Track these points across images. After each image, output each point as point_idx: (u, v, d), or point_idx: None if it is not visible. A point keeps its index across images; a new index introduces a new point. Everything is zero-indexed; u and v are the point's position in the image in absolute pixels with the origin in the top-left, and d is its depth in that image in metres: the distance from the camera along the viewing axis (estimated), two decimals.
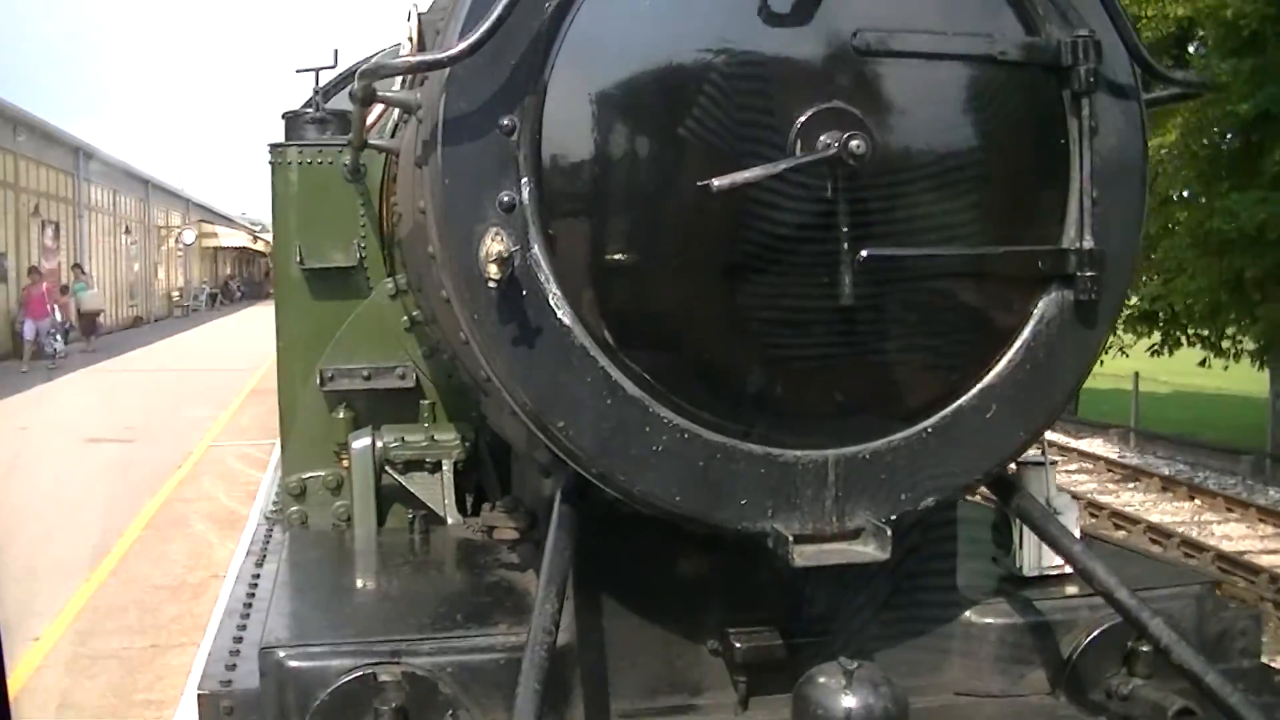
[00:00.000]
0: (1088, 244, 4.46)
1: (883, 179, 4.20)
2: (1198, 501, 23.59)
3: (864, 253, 4.15)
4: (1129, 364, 32.87)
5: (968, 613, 4.93)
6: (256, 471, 19.44)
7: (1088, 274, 4.46)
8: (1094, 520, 20.64)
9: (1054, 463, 5.29)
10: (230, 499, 19.51)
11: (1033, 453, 5.03)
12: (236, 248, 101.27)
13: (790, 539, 4.22)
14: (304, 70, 7.72)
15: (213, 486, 21.04)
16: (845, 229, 4.14)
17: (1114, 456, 28.72)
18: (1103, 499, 23.15)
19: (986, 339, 4.54)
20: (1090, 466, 27.48)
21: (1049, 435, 5.32)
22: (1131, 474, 26.46)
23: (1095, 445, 30.57)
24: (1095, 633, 4.82)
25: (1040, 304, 4.53)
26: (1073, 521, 5.16)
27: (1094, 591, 4.62)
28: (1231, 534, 21.00)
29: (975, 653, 4.91)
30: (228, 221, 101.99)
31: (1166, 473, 26.30)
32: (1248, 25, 21.83)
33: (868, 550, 4.31)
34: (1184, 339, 31.34)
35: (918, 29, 4.28)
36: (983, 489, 5.11)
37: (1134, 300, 30.54)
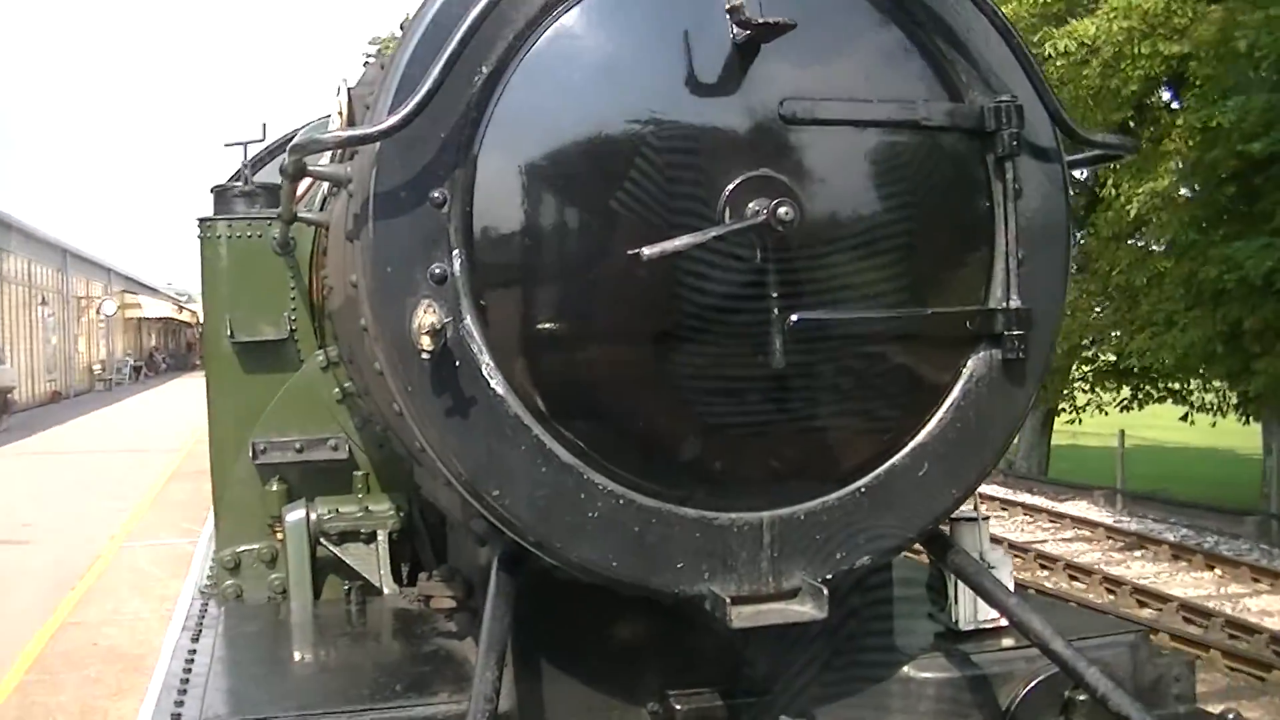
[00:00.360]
0: (1014, 303, 4.55)
1: (811, 244, 4.26)
2: (1218, 571, 21.72)
3: (794, 317, 4.21)
4: (1107, 421, 32.67)
5: (906, 668, 4.96)
6: (174, 578, 17.14)
7: (1015, 333, 4.55)
8: (1113, 597, 19.46)
9: (985, 518, 5.35)
10: (139, 625, 15.75)
11: (965, 508, 5.08)
12: (161, 318, 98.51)
13: (728, 601, 4.24)
14: (232, 144, 7.73)
15: (120, 603, 17.12)
16: (775, 294, 4.20)
17: (1109, 521, 26.83)
18: (1113, 570, 21.60)
19: (917, 399, 4.60)
20: (1089, 534, 25.75)
21: (1005, 494, 5.35)
22: (1135, 541, 24.49)
23: (1081, 508, 28.94)
24: (1032, 683, 4.85)
25: (969, 363, 4.61)
26: (1006, 575, 5.22)
27: (1030, 643, 4.67)
28: (1271, 608, 18.99)
29: (915, 708, 4.93)
30: (152, 292, 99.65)
31: (1172, 539, 24.42)
32: (1266, 56, 20.44)
33: (805, 609, 4.34)
34: (1155, 393, 31.06)
35: (843, 97, 4.36)
36: (917, 544, 5.15)
37: (1105, 356, 30.75)
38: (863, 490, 4.51)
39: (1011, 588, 5.13)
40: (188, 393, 57.16)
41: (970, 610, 5.16)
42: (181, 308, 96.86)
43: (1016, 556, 21.34)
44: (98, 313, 78.74)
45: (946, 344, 4.60)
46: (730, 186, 4.16)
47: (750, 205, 4.12)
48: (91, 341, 79.65)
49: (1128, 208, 24.41)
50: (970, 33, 4.57)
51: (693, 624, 4.54)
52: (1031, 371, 4.69)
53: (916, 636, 5.20)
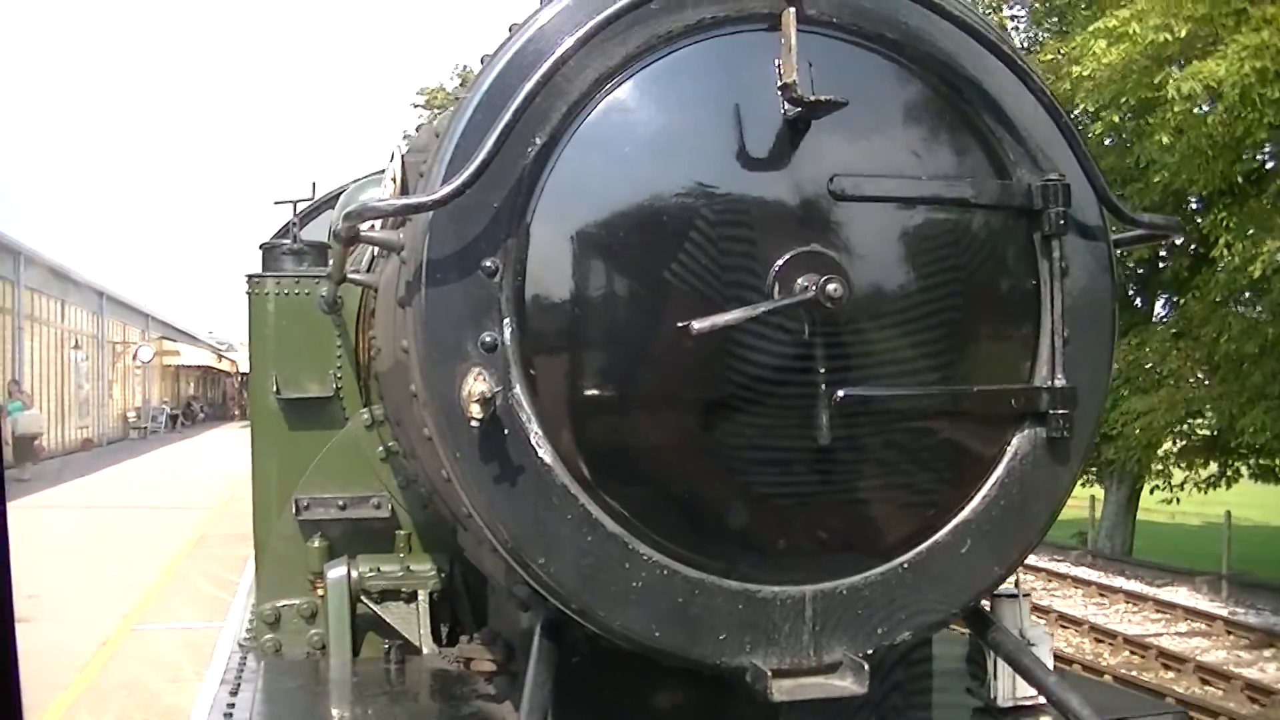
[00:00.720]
0: (1059, 382, 4.56)
1: (859, 320, 4.30)
2: None
3: (841, 393, 4.24)
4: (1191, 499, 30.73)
5: None
6: (187, 680, 14.66)
7: (1060, 411, 4.56)
8: (1261, 708, 17.26)
9: (1026, 594, 5.34)
10: None
11: (1007, 585, 5.08)
12: (200, 366, 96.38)
13: (769, 674, 4.25)
14: (281, 202, 7.83)
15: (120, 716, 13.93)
16: (823, 369, 4.23)
17: (1224, 614, 23.93)
18: (1249, 674, 18.93)
19: (961, 475, 4.61)
20: (1205, 627, 23.02)
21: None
22: (1264, 638, 21.81)
23: (1184, 595, 26.17)
24: None
25: (1014, 441, 4.62)
26: (1046, 652, 5.22)
27: None
28: None
29: None
30: (191, 339, 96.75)
31: None
32: None
33: (845, 684, 4.34)
34: (1245, 470, 29.38)
35: (892, 173, 4.40)
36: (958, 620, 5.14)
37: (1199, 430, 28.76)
38: (905, 566, 4.51)
39: (1051, 665, 5.12)
40: (224, 444, 56.40)
41: (1009, 687, 5.15)
42: (221, 356, 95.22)
43: (1136, 654, 20.52)
44: (134, 358, 76.22)
45: (991, 421, 4.62)
46: (780, 261, 4.19)
47: (799, 281, 4.15)
48: (126, 388, 77.21)
49: (1250, 269, 22.22)
50: (1018, 110, 4.61)
51: (734, 694, 4.54)
52: (1076, 449, 4.69)
53: (955, 712, 5.20)
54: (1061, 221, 4.55)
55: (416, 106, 54.70)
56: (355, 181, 8.37)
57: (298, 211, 7.91)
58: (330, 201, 9.08)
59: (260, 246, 7.44)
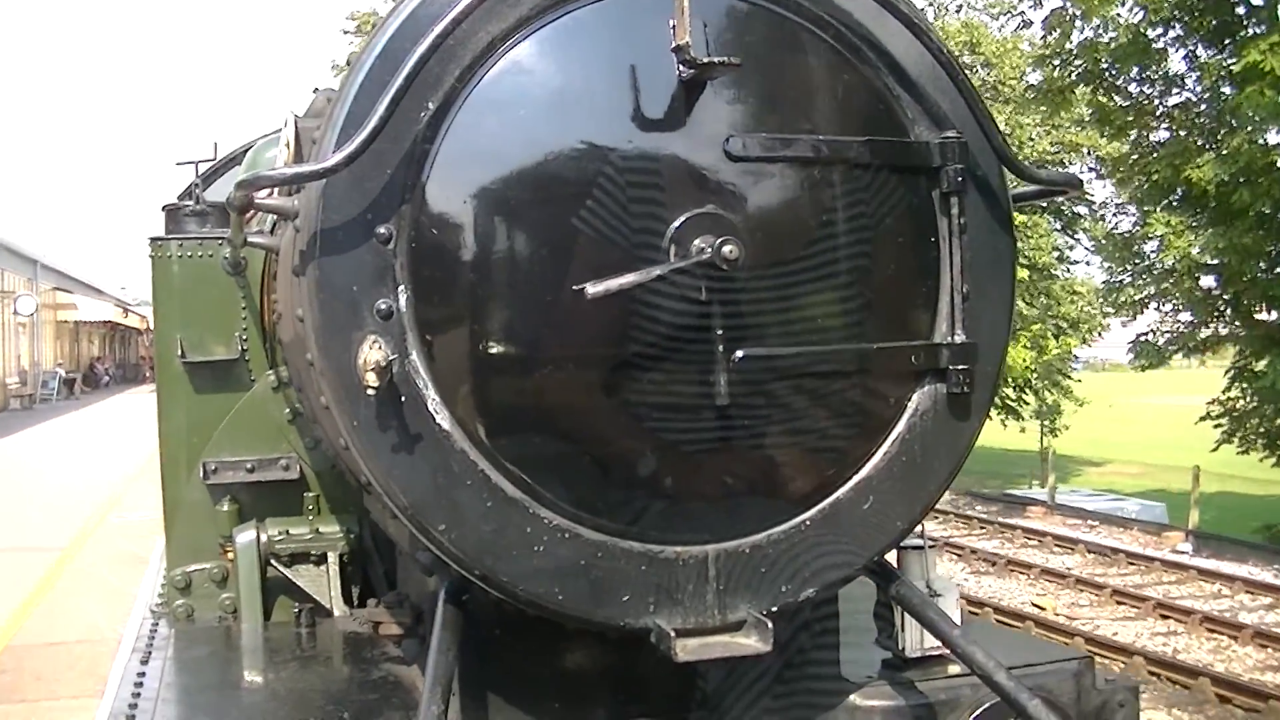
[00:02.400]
0: (959, 338, 4.59)
1: (757, 280, 4.29)
2: None
3: (739, 353, 4.24)
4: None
5: (853, 696, 4.98)
6: None
7: (960, 367, 4.60)
8: None
9: (932, 545, 5.38)
10: None
11: (912, 538, 5.12)
12: (103, 323, 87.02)
13: (672, 634, 4.26)
14: (183, 163, 7.70)
15: None
16: (720, 330, 4.23)
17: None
18: None
19: (862, 432, 4.63)
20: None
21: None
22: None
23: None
24: (977, 712, 4.87)
25: (914, 397, 4.66)
26: (952, 603, 5.27)
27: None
28: None
29: None
30: (93, 291, 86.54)
31: None
32: None
33: (750, 643, 4.36)
34: None
35: (788, 133, 4.39)
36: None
37: None
38: (808, 523, 4.54)
39: (958, 616, 5.19)
40: (131, 413, 50.07)
41: (917, 638, 5.18)
42: (128, 311, 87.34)
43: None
44: (12, 311, 63.21)
45: (892, 378, 4.64)
46: (676, 223, 4.18)
47: (696, 242, 4.14)
48: (5, 347, 62.44)
49: None
50: (916, 69, 4.61)
51: (641, 654, 4.56)
52: (977, 405, 4.74)
53: (863, 664, 5.23)
54: (960, 179, 4.57)
55: (346, 33, 52.67)
56: (262, 137, 8.27)
57: (200, 172, 7.78)
58: (234, 161, 8.97)
59: (163, 208, 7.33)
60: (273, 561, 6.38)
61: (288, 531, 6.40)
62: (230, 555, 6.51)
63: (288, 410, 6.61)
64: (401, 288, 4.06)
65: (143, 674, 5.70)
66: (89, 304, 79.85)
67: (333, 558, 6.40)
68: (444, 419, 4.11)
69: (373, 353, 3.90)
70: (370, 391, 3.92)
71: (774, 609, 4.45)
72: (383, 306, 4.04)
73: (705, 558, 4.41)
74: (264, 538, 6.36)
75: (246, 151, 8.86)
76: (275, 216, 6.34)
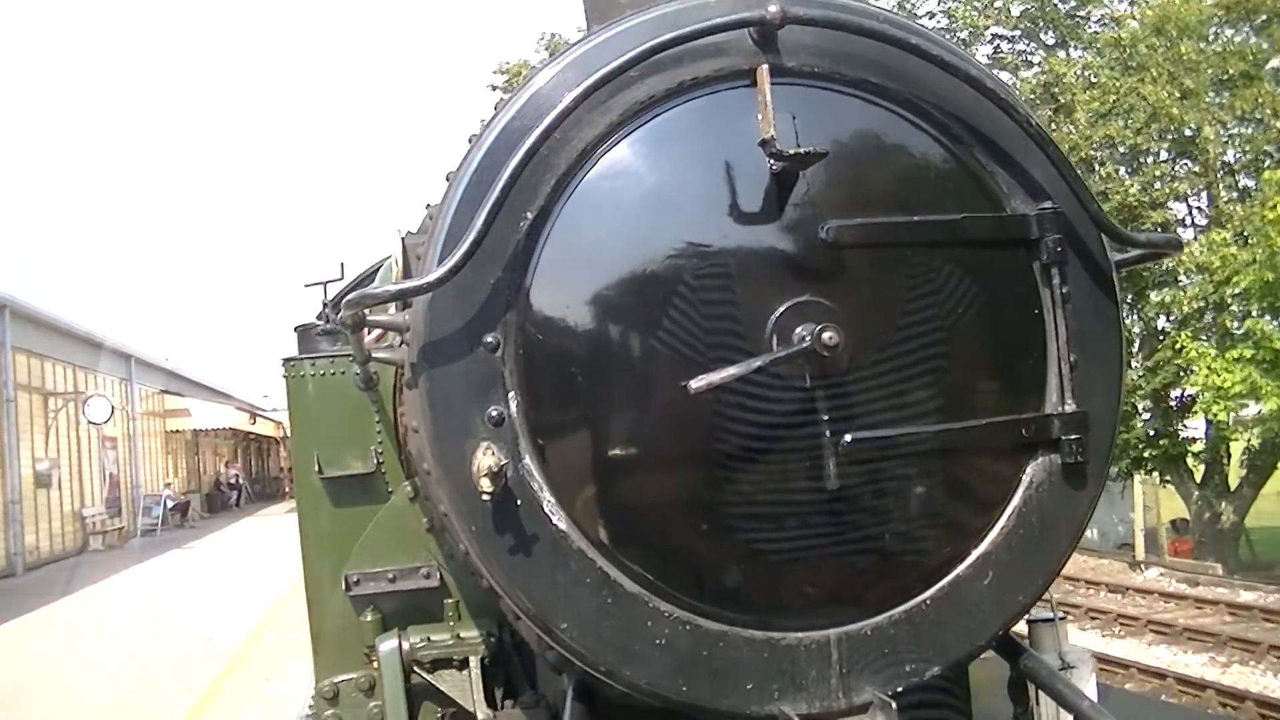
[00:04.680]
0: (1069, 408, 4.58)
1: (860, 365, 4.34)
2: None
3: (847, 438, 4.29)
4: None
5: None
6: None
7: (1072, 437, 4.58)
8: None
9: (1063, 618, 5.33)
10: None
11: (1043, 611, 5.09)
12: (223, 430, 73.41)
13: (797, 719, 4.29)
14: (312, 284, 7.92)
15: None
16: (826, 417, 4.28)
17: None
18: None
19: (978, 508, 4.63)
20: None
21: None
22: None
23: None
24: None
25: (1028, 470, 4.65)
26: (1087, 674, 5.21)
27: None
28: None
29: None
30: (211, 393, 73.19)
31: None
32: None
33: None
34: None
35: (884, 216, 4.45)
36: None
37: None
38: (929, 602, 4.54)
39: (1092, 687, 5.12)
40: (259, 542, 42.69)
41: (1053, 713, 5.11)
42: (256, 417, 73.60)
43: None
44: (83, 414, 48.57)
45: (1004, 453, 4.64)
46: (776, 314, 4.26)
47: (797, 331, 4.21)
48: (80, 466, 49.51)
49: None
50: (1008, 143, 4.64)
51: None
52: (1092, 474, 4.70)
53: None
54: (1059, 249, 4.58)
55: (495, 89, 47.64)
56: (384, 260, 8.48)
57: (330, 292, 8.00)
58: (368, 279, 9.20)
59: (295, 329, 7.54)
60: (415, 668, 6.47)
61: (429, 638, 6.49)
62: (376, 664, 6.62)
63: (425, 519, 6.73)
64: (511, 394, 4.19)
65: None
66: (206, 409, 66.58)
67: (474, 661, 6.46)
68: (560, 520, 4.21)
69: (486, 459, 4.02)
70: (485, 497, 4.04)
71: (899, 689, 4.45)
72: (494, 413, 4.16)
73: (827, 642, 4.43)
74: (406, 645, 6.45)
75: (378, 269, 9.10)
76: None
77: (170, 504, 58.08)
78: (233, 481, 77.80)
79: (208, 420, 66.62)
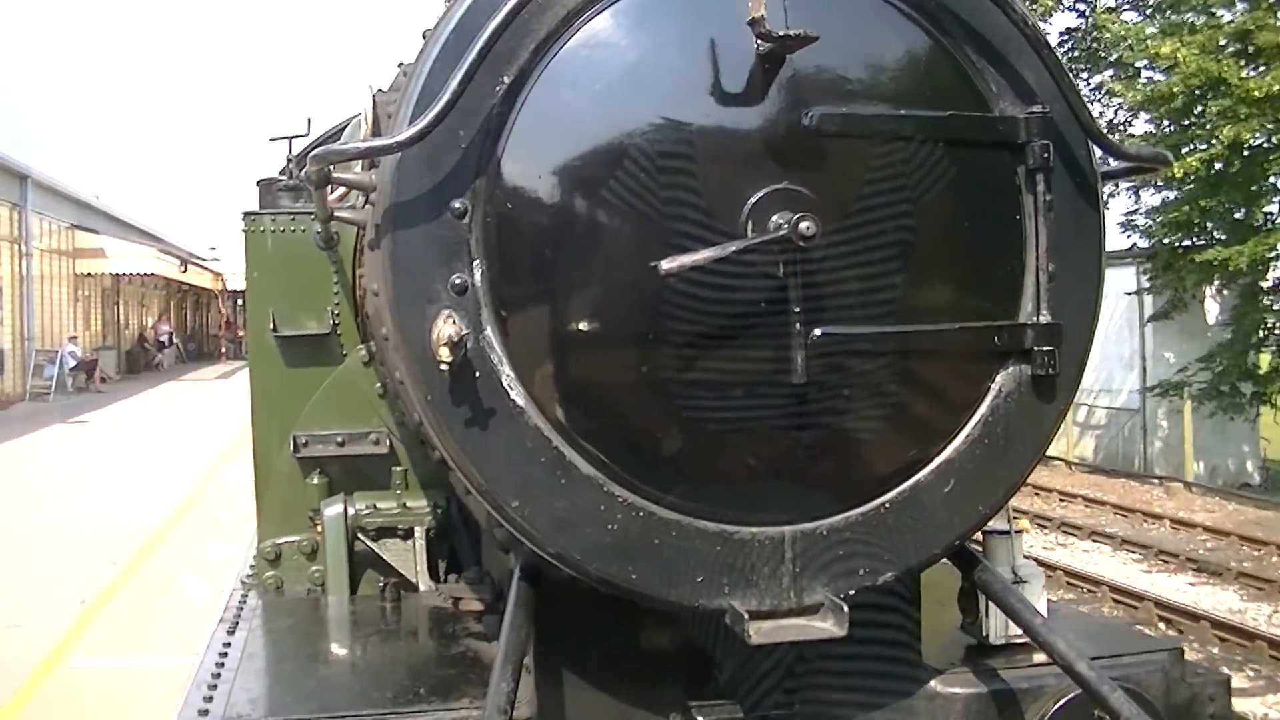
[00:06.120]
0: (1044, 318, 4.49)
1: (835, 257, 4.22)
2: None
3: (817, 331, 4.18)
4: None
5: (933, 682, 4.90)
6: None
7: (1045, 348, 4.50)
8: None
9: (1019, 531, 5.28)
10: None
11: (999, 522, 5.03)
12: (153, 279, 64.44)
13: (746, 616, 4.22)
14: (277, 138, 7.74)
15: None
16: (798, 308, 4.17)
17: None
18: None
19: (943, 414, 4.55)
20: None
21: None
22: None
23: None
24: (1062, 701, 4.77)
25: (997, 379, 4.57)
26: (1038, 590, 5.17)
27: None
28: None
29: None
30: (141, 236, 63.24)
31: None
32: None
33: (825, 626, 4.31)
34: None
35: (869, 108, 4.31)
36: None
37: None
38: (887, 506, 4.47)
39: (1043, 603, 5.09)
40: (171, 427, 35.81)
41: (1001, 624, 5.08)
42: (188, 264, 63.79)
43: None
44: None
45: (974, 359, 4.56)
46: (753, 199, 4.13)
47: (773, 219, 4.09)
48: None
49: None
50: (1001, 42, 4.51)
51: (716, 635, 4.52)
52: (1062, 387, 4.64)
53: (945, 651, 5.14)
54: (1046, 155, 4.46)
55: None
56: (353, 118, 8.30)
57: (294, 147, 7.83)
58: (334, 136, 9.01)
59: (257, 183, 7.38)
60: (360, 535, 6.41)
61: (375, 506, 6.42)
62: (319, 528, 6.55)
63: (379, 384, 6.63)
64: (476, 262, 4.06)
65: (228, 644, 5.76)
66: (126, 251, 55.78)
67: (419, 532, 6.41)
68: (518, 395, 4.11)
69: (446, 327, 3.91)
70: (443, 366, 3.93)
71: (851, 592, 4.39)
72: (457, 281, 4.04)
73: (782, 539, 4.36)
74: (351, 511, 6.39)
75: (345, 127, 8.91)
76: None
77: (72, 362, 49.01)
78: (162, 339, 68.26)
79: (128, 264, 56.05)
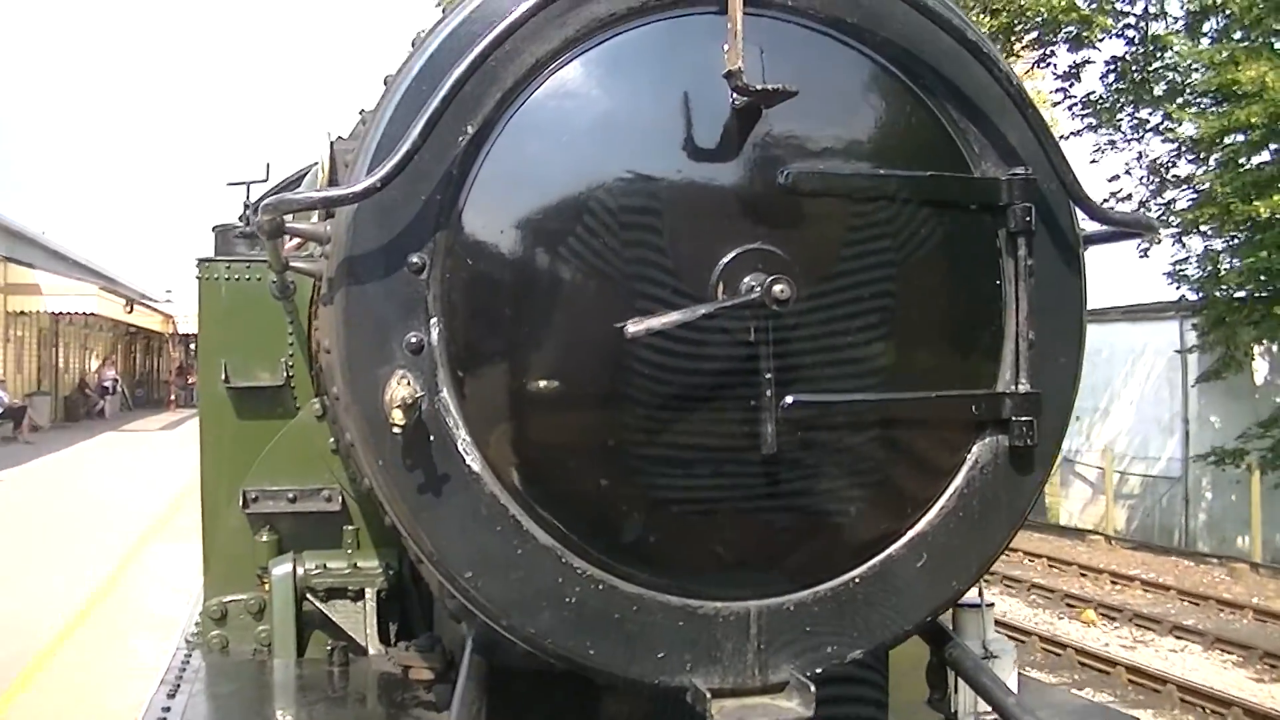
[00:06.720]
0: (1023, 387, 4.35)
1: (809, 322, 4.07)
2: None
3: (788, 399, 4.02)
4: None
5: None
6: None
7: (1023, 418, 4.35)
8: None
9: (990, 605, 5.13)
10: None
11: (970, 594, 4.87)
12: (97, 320, 59.76)
13: (709, 695, 4.04)
14: (235, 183, 7.60)
15: None
16: (769, 375, 4.00)
17: None
18: None
19: (917, 486, 4.39)
20: None
21: None
22: None
23: None
24: None
25: (974, 449, 4.41)
26: (1009, 665, 5.03)
27: None
28: None
29: None
30: (85, 273, 56.49)
31: None
32: None
33: (791, 706, 4.13)
34: None
35: (847, 167, 4.18)
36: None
37: None
38: (857, 581, 4.30)
39: (1014, 680, 4.94)
40: (99, 489, 31.22)
41: (970, 701, 4.94)
42: (134, 305, 59.90)
43: None
44: None
45: (951, 429, 4.41)
46: (725, 259, 3.97)
47: (745, 280, 3.94)
48: None
49: None
50: (984, 101, 4.38)
51: (676, 713, 4.34)
52: (1040, 459, 4.48)
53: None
54: (1028, 218, 4.32)
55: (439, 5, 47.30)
56: (312, 166, 8.15)
57: (253, 194, 7.68)
58: (294, 183, 8.85)
59: (213, 228, 7.22)
60: (309, 596, 6.22)
61: (325, 565, 6.24)
62: (267, 587, 6.36)
63: (332, 440, 6.45)
64: (434, 320, 3.89)
65: (167, 708, 5.56)
66: (65, 289, 51.07)
67: (370, 594, 6.22)
68: (474, 460, 3.93)
69: (400, 389, 3.72)
70: (396, 430, 3.74)
71: (818, 671, 4.22)
72: (413, 340, 3.86)
73: (747, 615, 4.18)
74: (301, 571, 6.21)
75: (306, 174, 8.76)
76: None
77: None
78: (106, 385, 63.53)
79: (67, 303, 51.25)
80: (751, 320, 3.97)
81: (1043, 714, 4.53)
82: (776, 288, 3.87)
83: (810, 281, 4.03)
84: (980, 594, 5.00)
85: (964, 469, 4.41)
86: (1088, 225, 4.70)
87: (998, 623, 17.78)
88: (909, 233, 4.29)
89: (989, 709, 4.84)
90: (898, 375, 4.29)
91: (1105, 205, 4.78)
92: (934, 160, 4.33)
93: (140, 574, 21.15)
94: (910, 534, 4.37)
